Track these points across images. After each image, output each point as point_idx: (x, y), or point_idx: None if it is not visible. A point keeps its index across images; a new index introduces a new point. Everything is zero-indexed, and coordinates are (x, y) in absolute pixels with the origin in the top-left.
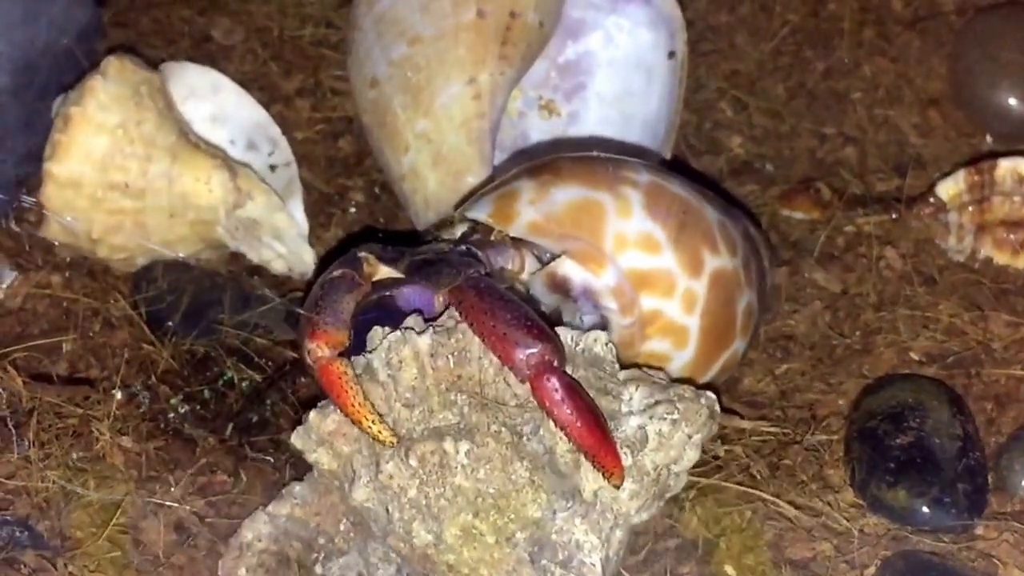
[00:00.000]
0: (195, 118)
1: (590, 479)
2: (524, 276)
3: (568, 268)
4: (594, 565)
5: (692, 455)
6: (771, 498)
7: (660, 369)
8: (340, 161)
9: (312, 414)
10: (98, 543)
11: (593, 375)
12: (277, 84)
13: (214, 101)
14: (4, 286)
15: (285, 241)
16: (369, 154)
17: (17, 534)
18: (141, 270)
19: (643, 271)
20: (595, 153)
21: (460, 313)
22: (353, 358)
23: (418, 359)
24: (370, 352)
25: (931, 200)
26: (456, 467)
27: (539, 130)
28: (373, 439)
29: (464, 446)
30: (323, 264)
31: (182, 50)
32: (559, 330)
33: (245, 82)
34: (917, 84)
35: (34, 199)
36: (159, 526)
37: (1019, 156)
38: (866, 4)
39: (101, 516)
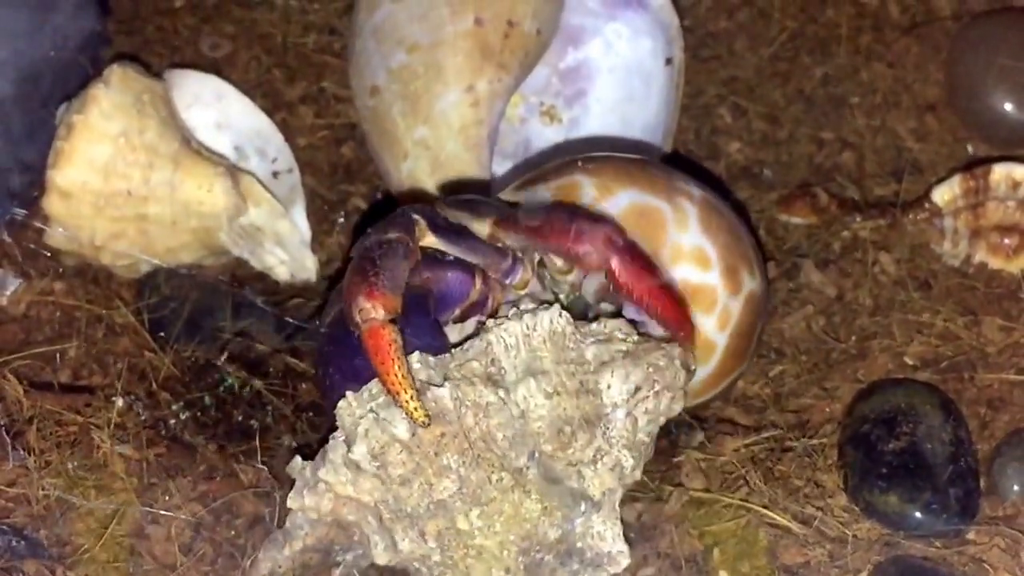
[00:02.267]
0: (198, 125)
1: (594, 477)
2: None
3: None
4: (621, 551)
5: (677, 407)
6: (765, 511)
7: (619, 315)
8: (343, 167)
9: (307, 498)
10: (98, 551)
11: (564, 369)
12: (280, 91)
13: (217, 108)
14: (8, 293)
15: (287, 247)
16: (371, 161)
17: (15, 543)
18: (144, 277)
19: (693, 285)
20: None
21: (515, 234)
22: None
23: (398, 440)
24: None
25: (927, 205)
26: (474, 532)
27: (540, 136)
28: (407, 414)
29: (475, 513)
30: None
31: (186, 57)
32: (509, 321)
33: (248, 89)
34: (914, 89)
35: (26, 211)
36: (159, 534)
37: (1013, 161)
38: (863, 10)
39: (101, 524)
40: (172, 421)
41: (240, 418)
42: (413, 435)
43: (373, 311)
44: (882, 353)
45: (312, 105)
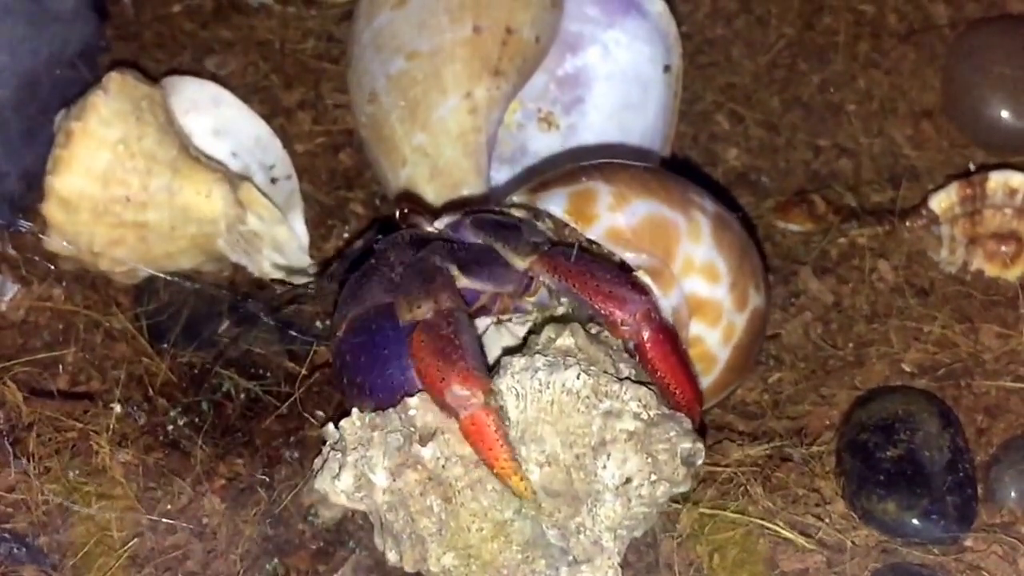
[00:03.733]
0: (196, 131)
1: (576, 544)
2: None
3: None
4: None
5: (678, 490)
6: (764, 523)
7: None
8: (341, 174)
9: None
10: (97, 557)
11: (563, 440)
12: (278, 97)
13: (215, 114)
14: (6, 299)
15: (286, 253)
16: (369, 167)
17: (15, 549)
18: (142, 283)
19: (701, 298)
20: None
21: (552, 276)
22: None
23: (425, 480)
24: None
25: (924, 212)
26: (450, 571)
27: (538, 142)
28: (515, 493)
29: (449, 556)
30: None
31: (184, 64)
32: (524, 373)
33: (246, 95)
34: (911, 96)
35: (24, 219)
36: (158, 539)
37: (1010, 169)
38: (861, 18)
39: (101, 529)
40: (170, 426)
41: (237, 422)
42: (395, 480)
43: (473, 396)
44: (880, 360)
45: (310, 111)
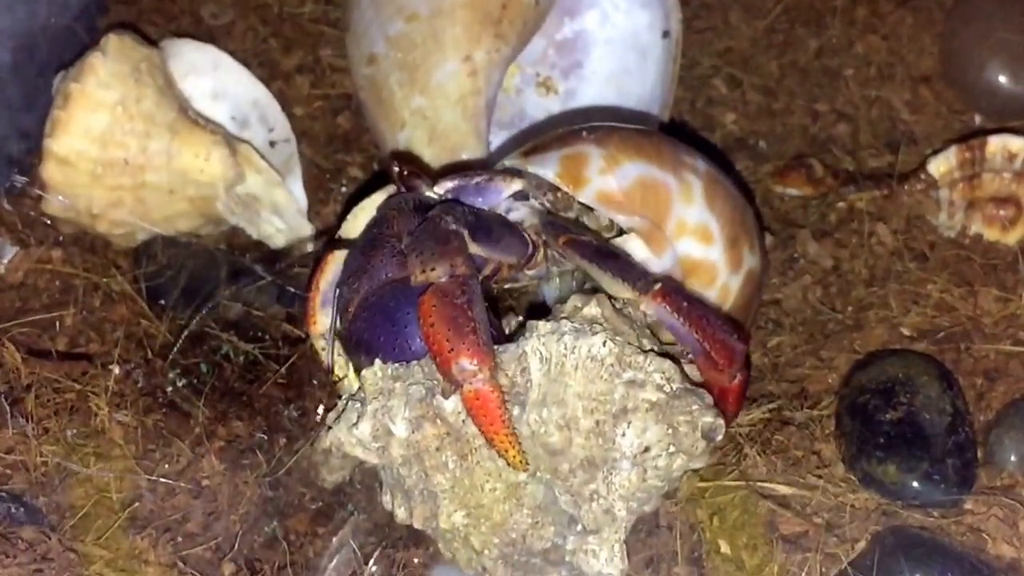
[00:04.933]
0: (195, 95)
1: (588, 512)
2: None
3: (633, 246)
4: (611, 573)
5: (696, 465)
6: (764, 482)
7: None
8: (339, 137)
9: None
10: (96, 518)
11: (584, 405)
12: (277, 61)
13: (214, 78)
14: (5, 261)
15: (284, 216)
16: (368, 130)
17: (14, 510)
18: (141, 245)
19: (694, 260)
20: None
21: (673, 313)
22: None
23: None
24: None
25: (922, 177)
26: (458, 530)
27: (537, 107)
28: (512, 467)
29: (459, 514)
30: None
31: (183, 27)
32: (551, 336)
33: (245, 59)
34: (909, 62)
35: (26, 178)
36: (157, 500)
37: (1009, 133)
38: None
39: (99, 490)
40: (169, 388)
41: (236, 384)
42: (413, 432)
43: (480, 372)
44: (879, 324)
45: (309, 75)
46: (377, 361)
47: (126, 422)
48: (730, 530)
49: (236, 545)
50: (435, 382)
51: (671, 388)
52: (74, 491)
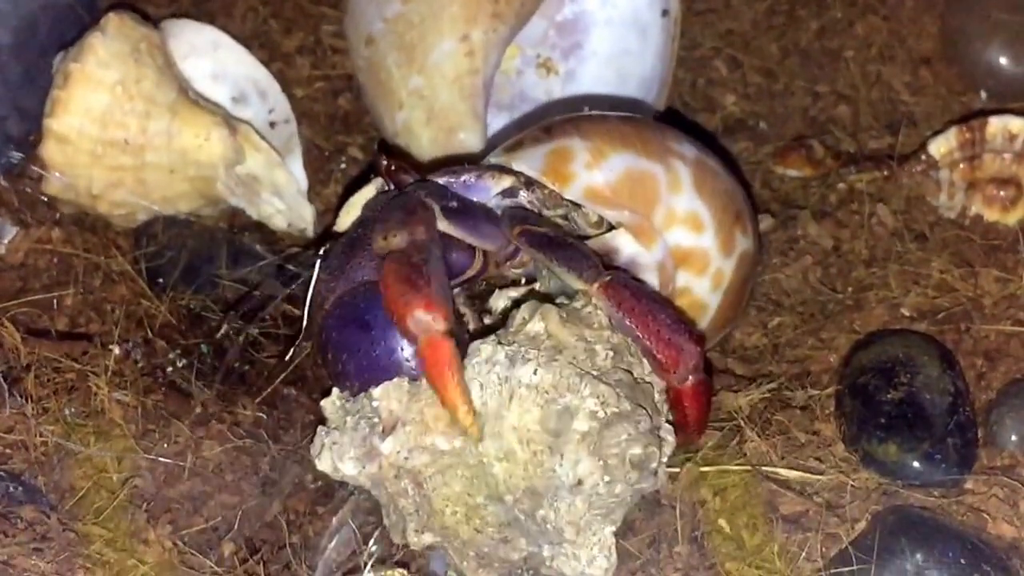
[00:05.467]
0: (195, 75)
1: (542, 533)
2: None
3: (622, 240)
4: (594, 573)
5: (646, 486)
6: (764, 462)
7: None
8: (339, 118)
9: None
10: (95, 497)
11: (518, 436)
12: (277, 42)
13: (214, 58)
14: (5, 241)
15: (284, 197)
16: (367, 111)
17: (13, 489)
18: (142, 226)
19: (685, 249)
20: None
21: (616, 309)
22: None
23: (393, 467)
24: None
25: (923, 157)
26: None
27: (537, 88)
28: (462, 429)
29: (427, 536)
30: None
31: (183, 7)
32: (486, 366)
33: (245, 39)
34: (909, 43)
35: (26, 156)
36: (156, 479)
37: (1009, 114)
38: None
39: (99, 470)
40: (169, 368)
41: (236, 365)
42: (364, 468)
43: (434, 323)
44: (879, 304)
45: (309, 56)
46: (335, 391)
47: (126, 402)
48: (731, 510)
49: (236, 525)
50: (376, 420)
51: (605, 414)
52: (73, 471)
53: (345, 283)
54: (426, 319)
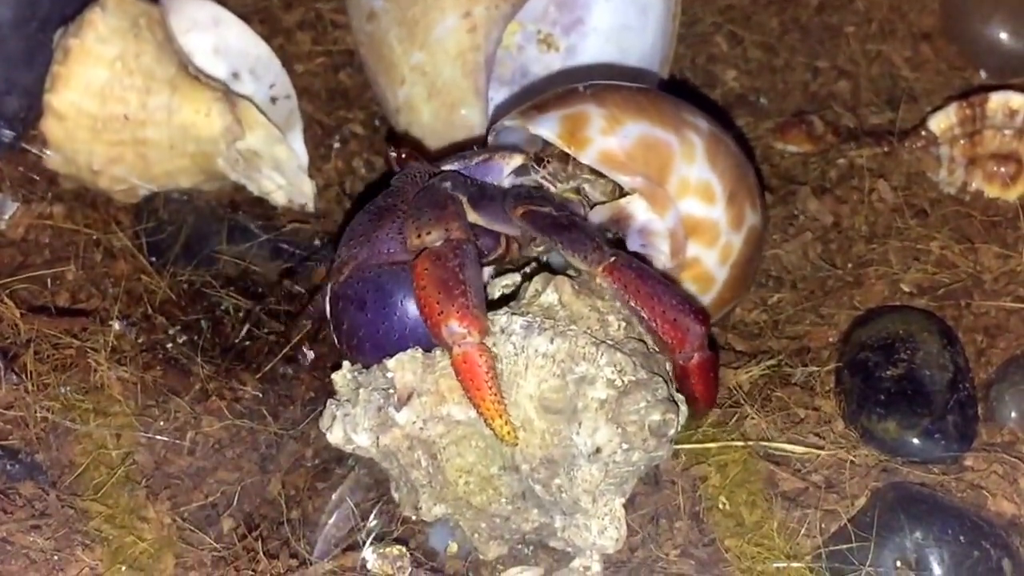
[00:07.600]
0: (196, 50)
1: (557, 503)
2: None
3: (636, 207)
4: (604, 544)
5: (659, 455)
6: (764, 438)
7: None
8: (340, 94)
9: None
10: (95, 473)
11: (535, 405)
12: (278, 17)
13: (215, 33)
14: (6, 217)
15: (285, 173)
16: (369, 87)
17: (12, 466)
18: (142, 201)
19: (696, 219)
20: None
21: (620, 289)
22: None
23: (408, 438)
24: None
25: (923, 133)
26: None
27: (538, 64)
28: (499, 437)
29: (439, 507)
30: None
31: None
32: (501, 335)
33: (246, 15)
34: (910, 18)
35: (25, 132)
36: (155, 456)
37: (1010, 90)
38: None
39: (98, 446)
40: (168, 344)
41: (235, 341)
42: (378, 439)
43: (469, 335)
44: (879, 280)
45: (310, 31)
46: (345, 364)
47: (125, 378)
48: (730, 487)
49: (235, 501)
50: (391, 391)
51: (622, 382)
52: (73, 447)
53: (369, 251)
54: (461, 331)
